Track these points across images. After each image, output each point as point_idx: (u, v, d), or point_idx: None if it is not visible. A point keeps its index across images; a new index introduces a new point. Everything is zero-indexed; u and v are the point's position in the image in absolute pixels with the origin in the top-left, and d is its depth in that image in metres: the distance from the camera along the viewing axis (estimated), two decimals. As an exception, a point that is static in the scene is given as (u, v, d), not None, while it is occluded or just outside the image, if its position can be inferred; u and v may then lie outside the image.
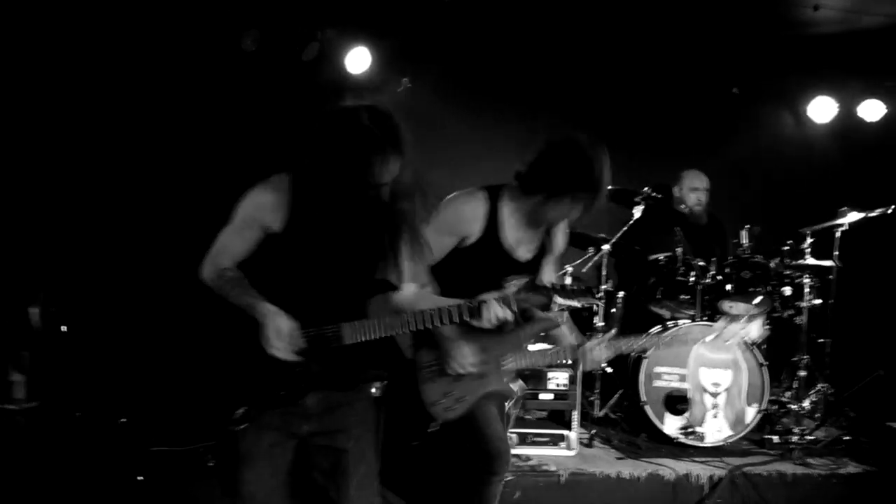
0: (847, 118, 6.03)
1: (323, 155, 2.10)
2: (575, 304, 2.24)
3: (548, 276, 2.95)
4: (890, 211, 4.69)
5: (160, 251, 4.73)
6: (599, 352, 2.79)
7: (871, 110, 5.96)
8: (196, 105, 5.00)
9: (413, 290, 2.35)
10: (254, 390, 2.18)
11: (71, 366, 4.46)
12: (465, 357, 2.69)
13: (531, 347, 2.85)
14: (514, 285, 2.21)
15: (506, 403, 2.98)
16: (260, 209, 2.20)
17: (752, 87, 6.00)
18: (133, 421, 3.98)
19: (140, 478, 3.46)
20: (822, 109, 6.04)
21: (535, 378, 3.97)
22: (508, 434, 3.85)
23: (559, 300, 2.21)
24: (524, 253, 2.88)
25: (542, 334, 2.93)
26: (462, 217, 2.79)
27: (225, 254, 2.24)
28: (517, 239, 2.85)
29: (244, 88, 5.03)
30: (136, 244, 4.88)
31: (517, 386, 2.86)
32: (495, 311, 2.19)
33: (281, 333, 2.11)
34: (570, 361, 2.87)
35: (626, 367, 4.59)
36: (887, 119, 5.93)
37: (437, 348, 2.74)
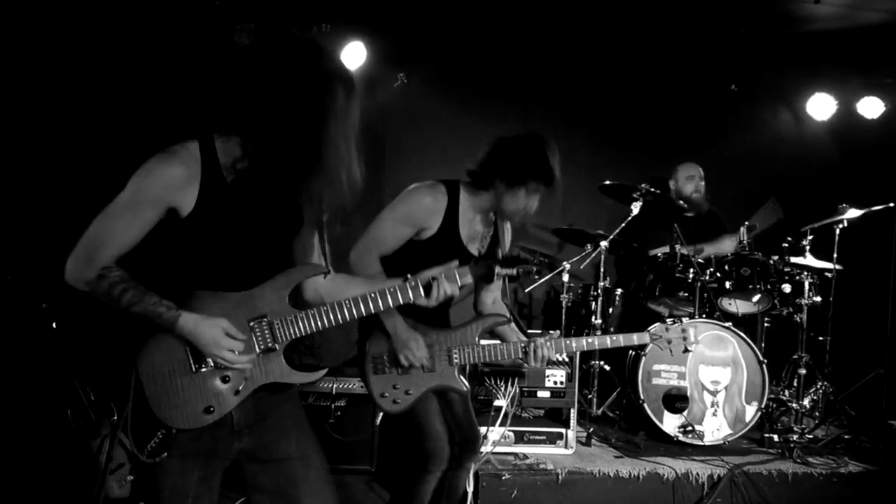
0: (846, 115, 6.01)
1: (260, 117, 1.81)
2: (513, 272, 2.21)
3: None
4: (892, 204, 4.67)
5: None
6: (546, 350, 2.80)
7: (870, 107, 5.93)
8: (188, 99, 4.93)
9: (333, 276, 2.13)
10: (174, 410, 1.85)
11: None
12: (420, 349, 2.72)
13: (481, 342, 2.83)
14: (454, 262, 2.15)
15: (454, 396, 2.97)
16: (169, 187, 1.79)
17: (751, 84, 5.98)
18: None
19: (130, 478, 3.41)
20: (820, 106, 6.02)
21: (531, 376, 3.95)
22: (506, 432, 3.85)
23: (499, 270, 2.18)
24: (474, 250, 2.93)
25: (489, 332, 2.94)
26: (424, 209, 2.81)
27: (109, 246, 1.79)
28: (470, 235, 2.90)
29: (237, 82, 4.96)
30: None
31: (465, 382, 2.84)
32: (443, 287, 2.08)
33: (229, 335, 1.83)
34: (518, 358, 2.86)
35: (625, 365, 4.55)
36: (886, 116, 5.91)
37: (386, 339, 2.74)
